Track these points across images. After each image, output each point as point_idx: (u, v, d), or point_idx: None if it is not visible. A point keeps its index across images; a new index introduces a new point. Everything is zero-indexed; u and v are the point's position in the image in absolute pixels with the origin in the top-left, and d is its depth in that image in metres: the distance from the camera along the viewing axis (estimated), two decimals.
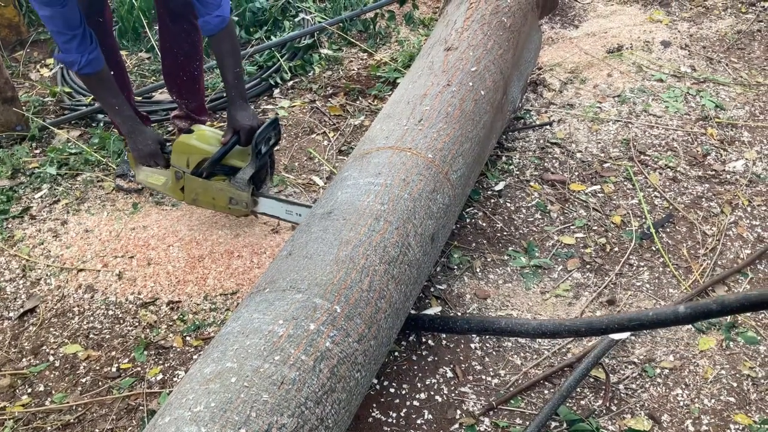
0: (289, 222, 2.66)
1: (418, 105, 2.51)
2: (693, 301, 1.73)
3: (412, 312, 2.33)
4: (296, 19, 4.26)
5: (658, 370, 2.30)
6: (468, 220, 2.92)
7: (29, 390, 2.29)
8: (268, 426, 1.43)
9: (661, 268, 2.70)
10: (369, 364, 1.77)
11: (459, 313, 2.49)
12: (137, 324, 2.49)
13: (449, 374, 2.30)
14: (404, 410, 2.18)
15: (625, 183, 3.13)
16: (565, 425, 2.13)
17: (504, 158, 3.28)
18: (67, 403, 2.22)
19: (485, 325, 2.22)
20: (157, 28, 3.07)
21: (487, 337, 2.42)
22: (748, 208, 2.99)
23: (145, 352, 2.38)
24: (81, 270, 2.70)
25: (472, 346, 2.39)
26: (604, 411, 2.18)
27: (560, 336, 2.06)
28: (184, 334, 2.45)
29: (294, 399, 1.50)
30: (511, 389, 2.24)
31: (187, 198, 2.67)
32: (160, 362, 2.36)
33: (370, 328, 1.78)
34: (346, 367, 1.66)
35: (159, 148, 2.65)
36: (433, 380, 2.28)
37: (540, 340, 2.42)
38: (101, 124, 3.49)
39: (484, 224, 2.91)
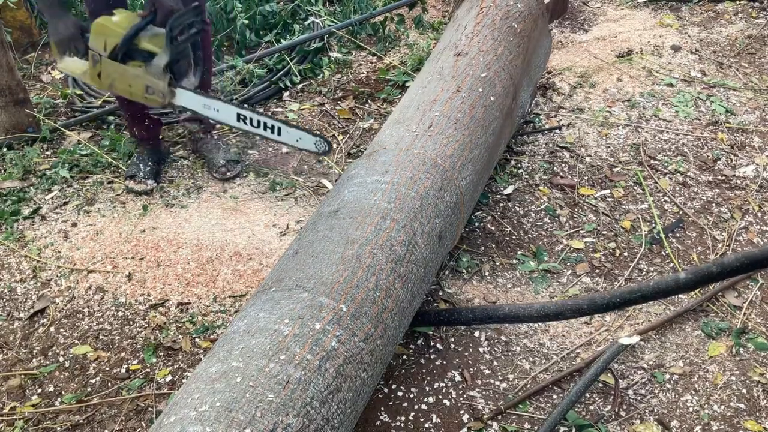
0: (208, 118, 2.55)
1: (427, 111, 2.51)
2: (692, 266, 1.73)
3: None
4: (306, 23, 4.28)
5: (667, 376, 2.29)
6: (477, 224, 2.91)
7: (39, 390, 2.30)
8: (273, 426, 1.43)
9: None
10: (375, 363, 1.77)
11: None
12: (146, 325, 2.50)
13: (457, 378, 2.29)
14: (412, 414, 2.17)
15: (635, 188, 3.12)
16: (574, 430, 2.11)
17: (513, 162, 3.27)
18: (77, 403, 2.24)
19: (489, 312, 2.22)
20: None
21: (496, 340, 2.41)
22: (759, 214, 2.97)
23: (154, 354, 2.39)
24: (91, 271, 2.71)
25: (481, 350, 2.39)
26: (613, 416, 2.16)
27: (564, 316, 2.06)
28: (194, 336, 2.45)
29: (299, 399, 1.50)
30: (520, 393, 2.23)
31: (104, 84, 2.54)
32: (169, 364, 2.36)
33: (376, 327, 1.78)
34: (352, 366, 1.66)
35: (79, 33, 2.53)
36: (441, 384, 2.27)
37: (548, 344, 2.41)
38: (112, 126, 3.52)
39: (492, 228, 2.90)
